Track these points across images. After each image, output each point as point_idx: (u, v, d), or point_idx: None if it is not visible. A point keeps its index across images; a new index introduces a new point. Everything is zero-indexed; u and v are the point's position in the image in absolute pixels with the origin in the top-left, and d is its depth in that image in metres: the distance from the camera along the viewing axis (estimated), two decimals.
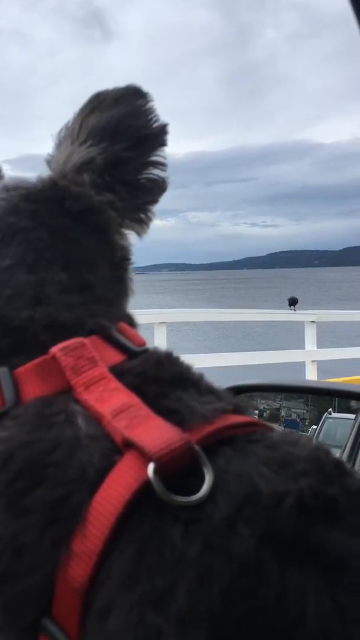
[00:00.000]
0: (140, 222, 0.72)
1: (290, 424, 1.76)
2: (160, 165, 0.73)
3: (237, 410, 0.51)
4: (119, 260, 0.69)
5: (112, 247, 0.68)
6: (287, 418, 1.77)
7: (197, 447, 0.43)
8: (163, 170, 0.73)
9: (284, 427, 1.76)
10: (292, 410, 1.80)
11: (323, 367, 6.78)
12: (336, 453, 1.52)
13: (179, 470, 0.42)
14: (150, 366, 0.54)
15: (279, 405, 1.83)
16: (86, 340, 0.54)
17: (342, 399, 1.56)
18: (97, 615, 0.40)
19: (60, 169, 0.70)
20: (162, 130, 0.73)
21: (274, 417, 1.80)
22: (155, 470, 0.41)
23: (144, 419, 0.46)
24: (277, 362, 6.81)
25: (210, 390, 0.53)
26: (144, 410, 0.47)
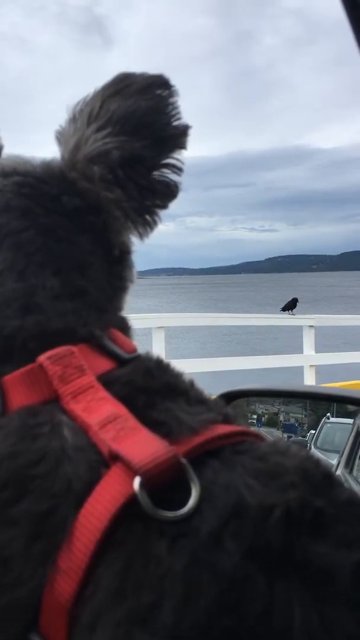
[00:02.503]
0: (145, 225, 0.69)
1: (288, 428, 1.75)
2: (177, 168, 0.69)
3: (227, 420, 0.51)
4: (117, 256, 0.67)
5: (110, 245, 0.66)
6: (285, 423, 1.77)
7: (184, 460, 0.43)
8: (178, 174, 0.69)
9: (283, 431, 1.76)
10: (291, 414, 1.80)
11: (321, 371, 6.78)
12: (334, 458, 1.52)
13: (165, 483, 0.42)
14: (139, 375, 0.53)
15: (277, 409, 1.82)
16: (75, 348, 0.53)
17: (338, 403, 1.56)
18: (83, 630, 0.40)
19: (70, 157, 0.65)
20: (185, 132, 0.68)
21: (273, 421, 1.80)
22: (142, 484, 0.41)
23: (132, 430, 0.45)
24: (275, 367, 6.81)
25: (200, 400, 0.52)
26: (132, 421, 0.46)
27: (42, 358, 0.52)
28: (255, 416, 1.79)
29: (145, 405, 0.49)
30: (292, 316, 9.00)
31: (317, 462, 0.48)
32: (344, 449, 1.50)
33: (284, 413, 1.79)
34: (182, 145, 0.68)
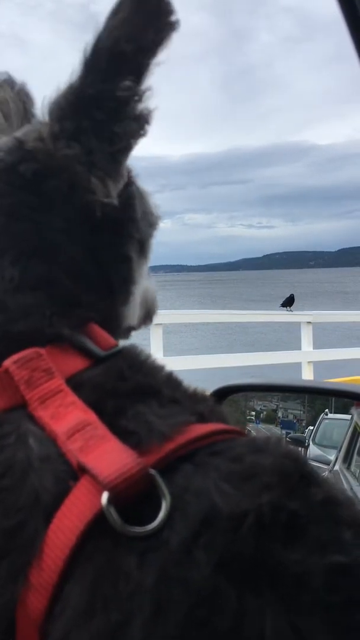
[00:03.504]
0: (110, 178, 0.57)
1: (287, 425, 1.76)
2: (132, 94, 0.54)
3: (202, 419, 0.48)
4: (101, 219, 0.58)
5: (85, 209, 0.57)
6: (283, 419, 1.77)
7: (153, 471, 0.42)
8: (136, 99, 0.55)
9: (281, 428, 1.77)
10: (289, 411, 1.80)
11: (319, 367, 6.79)
12: (333, 454, 1.53)
13: (135, 497, 0.41)
14: (109, 377, 0.50)
15: (275, 406, 1.83)
16: (43, 350, 0.50)
17: (333, 397, 1.57)
18: None
19: (48, 107, 0.56)
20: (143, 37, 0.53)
21: (271, 418, 1.80)
22: (109, 500, 0.40)
23: (100, 440, 0.43)
24: (273, 363, 6.82)
25: (173, 400, 0.50)
26: (100, 429, 0.44)
27: (8, 362, 0.49)
28: (253, 413, 1.80)
29: (114, 411, 0.47)
30: (290, 312, 9.01)
31: (295, 459, 0.46)
32: (342, 444, 1.51)
33: (283, 409, 1.79)
34: (141, 60, 0.54)
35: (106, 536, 0.40)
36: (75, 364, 0.51)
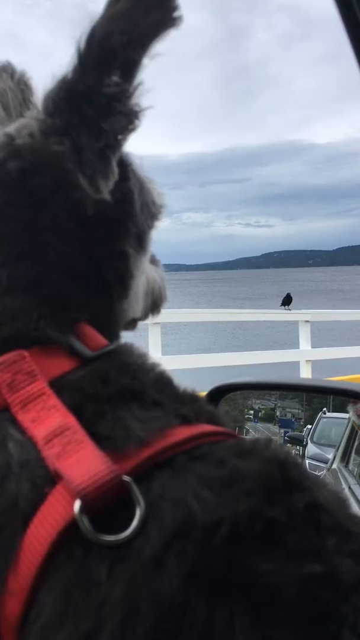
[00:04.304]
0: (101, 174, 0.54)
1: (285, 423, 1.76)
2: (122, 89, 0.52)
3: (186, 421, 0.47)
4: (93, 216, 0.56)
5: (75, 206, 0.55)
6: (282, 418, 1.77)
7: (127, 479, 0.41)
8: (126, 95, 0.53)
9: (279, 426, 1.77)
10: (287, 410, 1.80)
11: (317, 366, 6.80)
12: (331, 452, 1.53)
13: (108, 504, 0.40)
14: (93, 379, 0.49)
15: (273, 405, 1.83)
16: (26, 352, 0.49)
17: (329, 395, 1.57)
18: None
19: (43, 104, 0.55)
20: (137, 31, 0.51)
21: (269, 417, 1.80)
22: (82, 508, 0.39)
23: (78, 445, 0.43)
24: (271, 362, 6.82)
25: (156, 402, 0.49)
26: (79, 434, 0.44)
27: None
28: (251, 412, 1.80)
29: (94, 415, 0.46)
30: (288, 311, 9.02)
31: (281, 463, 0.44)
32: (340, 443, 1.51)
33: (281, 408, 1.79)
34: (132, 52, 0.52)
35: (78, 544, 0.39)
36: (61, 365, 0.50)
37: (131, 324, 0.70)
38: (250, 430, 1.78)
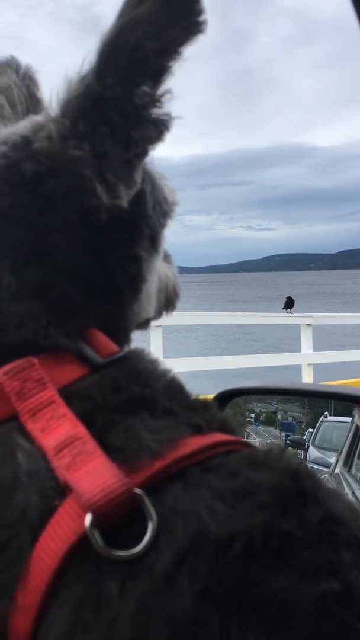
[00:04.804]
0: (123, 183, 0.54)
1: (286, 427, 1.76)
2: (154, 98, 0.52)
3: (199, 430, 0.47)
4: (106, 223, 0.55)
5: (87, 212, 0.54)
6: (283, 421, 1.77)
7: (139, 492, 0.40)
8: (158, 105, 0.53)
9: (281, 430, 1.76)
10: (289, 413, 1.80)
11: (319, 369, 6.79)
12: (332, 456, 1.52)
13: (120, 518, 0.39)
14: (104, 387, 0.48)
15: (275, 408, 1.83)
16: (35, 360, 0.48)
17: (334, 400, 1.56)
18: None
19: (59, 104, 0.54)
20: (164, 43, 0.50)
21: (270, 420, 1.80)
22: (93, 522, 0.39)
23: (88, 456, 0.42)
24: (273, 365, 6.82)
25: (168, 411, 0.48)
26: (89, 445, 0.43)
27: None
28: (252, 415, 1.79)
29: (105, 425, 0.45)
30: (290, 314, 9.02)
31: (295, 474, 0.44)
32: (343, 447, 1.51)
33: (282, 412, 1.79)
34: (160, 65, 0.51)
35: (89, 559, 0.39)
36: (70, 373, 0.49)
37: (143, 324, 0.69)
38: (251, 433, 1.78)
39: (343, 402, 1.51)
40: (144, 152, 0.54)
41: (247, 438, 1.77)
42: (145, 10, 0.50)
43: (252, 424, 1.77)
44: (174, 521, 0.39)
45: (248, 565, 0.37)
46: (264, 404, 1.84)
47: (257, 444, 1.81)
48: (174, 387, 0.52)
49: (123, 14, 0.50)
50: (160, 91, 0.52)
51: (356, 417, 1.45)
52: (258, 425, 1.78)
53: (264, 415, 1.82)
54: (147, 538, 0.38)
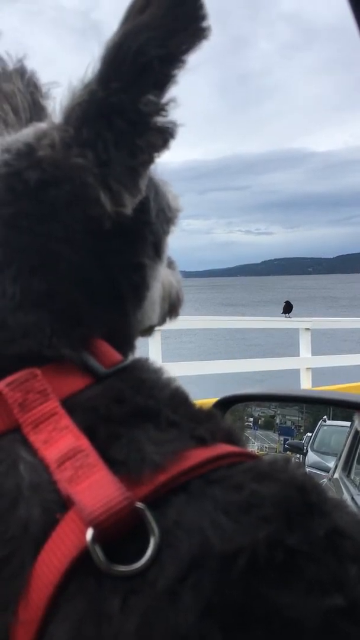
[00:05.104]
0: (127, 191, 0.53)
1: (285, 431, 1.75)
2: (158, 107, 0.51)
3: (203, 442, 0.46)
4: (110, 230, 0.54)
5: (90, 220, 0.53)
6: (281, 425, 1.77)
7: (141, 506, 0.40)
8: (163, 113, 0.52)
9: (279, 434, 1.76)
10: (287, 417, 1.80)
11: (318, 374, 6.80)
12: (331, 460, 1.52)
13: (121, 533, 0.39)
14: (107, 398, 0.48)
15: (273, 412, 1.83)
16: (38, 371, 0.48)
17: (334, 407, 1.57)
18: None
19: (64, 107, 0.53)
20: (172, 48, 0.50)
21: (269, 424, 1.80)
22: (94, 537, 0.38)
23: (91, 469, 0.42)
24: (272, 370, 6.82)
25: (172, 422, 0.47)
26: (92, 457, 0.42)
27: (1, 385, 0.47)
28: (251, 419, 1.79)
29: (108, 438, 0.45)
30: (289, 319, 9.02)
31: (301, 486, 0.43)
32: (342, 452, 1.50)
33: (281, 416, 1.79)
34: (165, 72, 0.50)
35: (90, 575, 0.38)
36: (73, 383, 0.49)
37: (147, 331, 0.69)
38: (250, 437, 1.78)
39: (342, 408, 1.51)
40: (150, 160, 0.54)
41: (245, 442, 1.77)
42: (150, 16, 0.49)
43: (251, 428, 1.77)
44: (177, 535, 0.39)
45: (252, 580, 0.37)
46: (262, 408, 1.84)
47: (256, 448, 1.81)
48: (177, 398, 0.51)
49: (128, 19, 0.50)
50: (165, 99, 0.52)
51: (356, 422, 1.45)
52: (257, 429, 1.78)
53: (263, 419, 1.82)
54: (149, 553, 0.38)
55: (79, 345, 0.51)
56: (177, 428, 0.47)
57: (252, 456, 0.48)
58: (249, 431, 1.76)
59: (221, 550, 0.38)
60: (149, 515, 0.39)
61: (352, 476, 1.43)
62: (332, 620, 0.36)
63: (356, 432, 1.46)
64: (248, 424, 1.77)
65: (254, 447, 1.79)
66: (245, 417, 1.78)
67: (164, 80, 0.51)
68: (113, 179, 0.52)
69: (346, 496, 1.37)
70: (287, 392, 1.57)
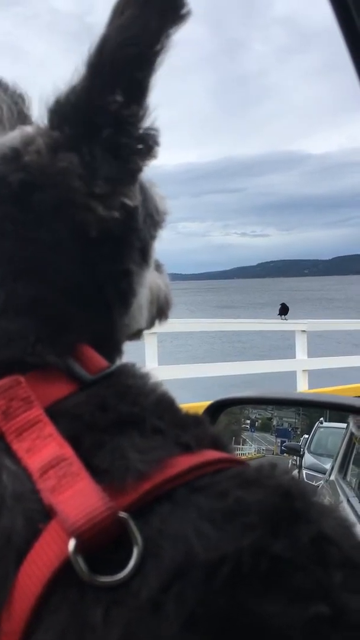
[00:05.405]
0: (113, 197, 0.53)
1: (282, 433, 1.76)
2: (135, 114, 0.51)
3: (188, 449, 0.45)
4: (97, 238, 0.54)
5: (77, 226, 0.53)
6: (278, 427, 1.77)
7: (124, 515, 0.39)
8: (139, 120, 0.52)
9: (276, 436, 1.76)
10: (284, 419, 1.80)
11: (314, 376, 6.80)
12: (327, 462, 1.52)
13: (104, 543, 0.39)
14: (91, 406, 0.47)
15: (270, 414, 1.83)
16: (22, 378, 0.47)
17: (328, 410, 1.57)
18: None
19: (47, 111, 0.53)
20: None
21: (266, 426, 1.80)
22: (77, 547, 0.38)
23: (74, 478, 0.41)
24: (268, 372, 6.83)
25: (157, 429, 0.47)
26: (75, 466, 0.42)
27: None
28: (248, 421, 1.80)
29: (92, 446, 0.44)
30: (285, 321, 9.04)
31: (286, 492, 0.42)
32: (338, 454, 1.51)
33: (277, 418, 1.79)
34: (140, 74, 0.50)
35: (73, 585, 0.38)
36: (58, 391, 0.48)
37: (135, 335, 0.69)
38: (247, 440, 1.78)
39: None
40: (137, 167, 0.54)
41: (243, 445, 1.77)
42: (127, 17, 0.49)
43: (248, 430, 1.78)
44: (161, 544, 0.39)
45: (236, 589, 0.37)
46: (259, 411, 1.84)
47: (253, 450, 1.81)
48: (163, 404, 0.51)
49: (110, 23, 0.50)
50: (141, 102, 0.51)
51: (351, 425, 1.46)
52: (254, 431, 1.78)
53: (260, 421, 1.82)
54: (132, 563, 0.38)
55: (65, 352, 0.51)
56: (162, 435, 0.46)
57: (238, 462, 0.47)
58: (246, 433, 1.77)
59: (205, 559, 0.37)
60: (132, 525, 0.39)
61: (349, 478, 1.44)
62: (317, 628, 0.36)
63: (351, 433, 1.46)
64: (245, 426, 1.78)
65: (251, 450, 1.79)
66: (243, 420, 1.79)
67: (141, 80, 0.51)
68: (99, 184, 0.52)
69: (342, 498, 1.37)
70: (279, 395, 1.57)
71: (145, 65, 0.50)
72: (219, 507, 0.41)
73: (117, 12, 0.50)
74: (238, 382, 6.55)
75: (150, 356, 5.69)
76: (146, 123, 0.52)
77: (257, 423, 1.81)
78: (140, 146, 0.52)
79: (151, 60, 0.50)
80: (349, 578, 0.39)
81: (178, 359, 10.29)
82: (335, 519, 0.44)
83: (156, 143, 0.53)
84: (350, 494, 1.37)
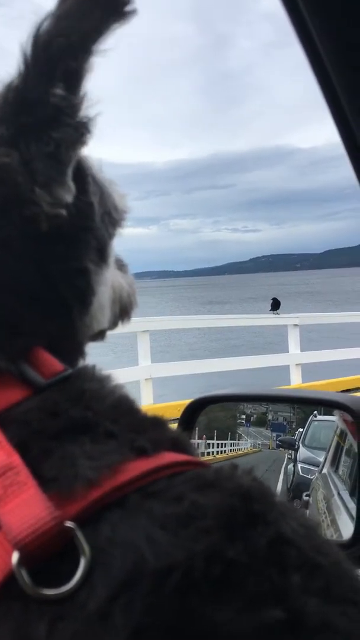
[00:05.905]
0: (55, 187, 0.51)
1: (277, 427, 1.76)
2: (68, 100, 0.49)
3: (143, 453, 0.44)
4: (48, 233, 0.52)
5: (26, 223, 0.51)
6: (274, 422, 1.78)
7: (71, 525, 0.38)
8: (72, 102, 0.50)
9: (272, 430, 1.77)
10: (279, 413, 1.81)
11: (307, 369, 6.83)
12: (322, 455, 1.53)
13: (50, 554, 0.38)
14: (42, 412, 0.46)
15: (265, 409, 1.84)
16: None
17: (318, 406, 1.58)
18: None
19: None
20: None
21: (261, 421, 1.81)
22: (20, 560, 0.37)
23: (20, 487, 0.40)
24: (261, 367, 6.84)
25: (110, 434, 0.45)
26: (22, 475, 0.40)
27: None
28: (244, 416, 1.80)
29: (40, 454, 0.43)
30: (277, 315, 9.06)
31: (244, 495, 0.41)
32: (329, 447, 1.52)
33: (272, 412, 1.80)
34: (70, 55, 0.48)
35: (17, 599, 0.37)
36: (9, 396, 0.47)
37: (99, 336, 0.67)
38: (243, 435, 1.78)
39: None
40: (71, 154, 0.52)
41: (239, 440, 1.77)
42: (67, 6, 0.48)
43: (244, 425, 1.78)
44: (110, 553, 0.37)
45: (186, 597, 0.36)
46: (254, 405, 1.85)
47: (249, 445, 1.82)
48: (120, 407, 0.50)
49: (51, 13, 0.49)
50: (77, 91, 0.50)
51: (336, 418, 1.47)
52: (249, 426, 1.79)
53: (255, 416, 1.82)
54: (78, 574, 0.37)
55: (17, 356, 0.49)
56: (116, 440, 0.45)
57: (198, 464, 0.46)
58: (241, 428, 1.77)
59: (155, 567, 0.36)
60: (79, 534, 0.38)
61: (340, 471, 1.45)
62: (271, 634, 0.35)
63: (340, 429, 1.47)
64: (241, 422, 1.78)
65: (247, 445, 1.79)
66: (238, 415, 1.79)
67: (76, 69, 0.49)
68: (39, 177, 0.50)
69: (333, 491, 1.38)
70: (261, 392, 1.58)
71: (79, 54, 0.49)
72: (173, 512, 0.40)
73: (60, 3, 0.49)
74: (230, 378, 6.56)
75: (143, 355, 5.68)
76: (83, 112, 0.51)
77: (252, 418, 1.81)
78: (72, 134, 0.51)
79: (85, 49, 0.49)
80: (309, 580, 0.38)
81: (171, 356, 10.28)
82: (297, 520, 0.43)
83: (88, 130, 0.52)
84: (342, 487, 1.38)
